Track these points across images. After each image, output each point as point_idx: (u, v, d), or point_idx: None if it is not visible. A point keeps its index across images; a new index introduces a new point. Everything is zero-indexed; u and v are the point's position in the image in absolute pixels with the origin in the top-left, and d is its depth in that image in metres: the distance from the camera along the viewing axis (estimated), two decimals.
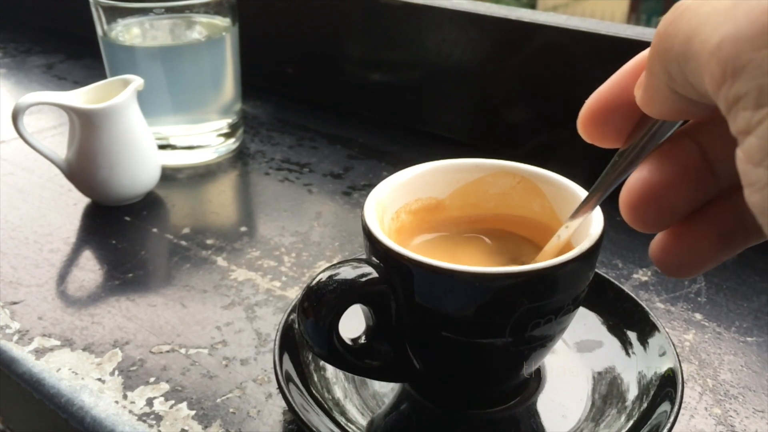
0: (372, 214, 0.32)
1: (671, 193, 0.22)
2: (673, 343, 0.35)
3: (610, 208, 0.52)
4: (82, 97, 0.52)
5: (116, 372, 0.38)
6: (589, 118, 0.24)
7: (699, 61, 0.17)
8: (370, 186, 0.48)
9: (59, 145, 0.62)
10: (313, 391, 0.34)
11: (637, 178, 0.22)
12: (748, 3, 0.16)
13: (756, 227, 0.21)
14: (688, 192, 0.22)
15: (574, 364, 0.37)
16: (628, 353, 0.36)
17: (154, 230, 0.52)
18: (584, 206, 0.28)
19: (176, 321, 0.42)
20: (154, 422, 0.35)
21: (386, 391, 0.36)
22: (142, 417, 0.35)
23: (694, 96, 0.19)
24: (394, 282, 0.30)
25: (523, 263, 0.33)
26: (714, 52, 0.17)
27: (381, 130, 0.68)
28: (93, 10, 0.58)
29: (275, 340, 0.35)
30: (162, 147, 0.59)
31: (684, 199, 0.22)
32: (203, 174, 0.60)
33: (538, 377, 0.36)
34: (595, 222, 0.31)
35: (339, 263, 0.30)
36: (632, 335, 0.37)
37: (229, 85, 0.61)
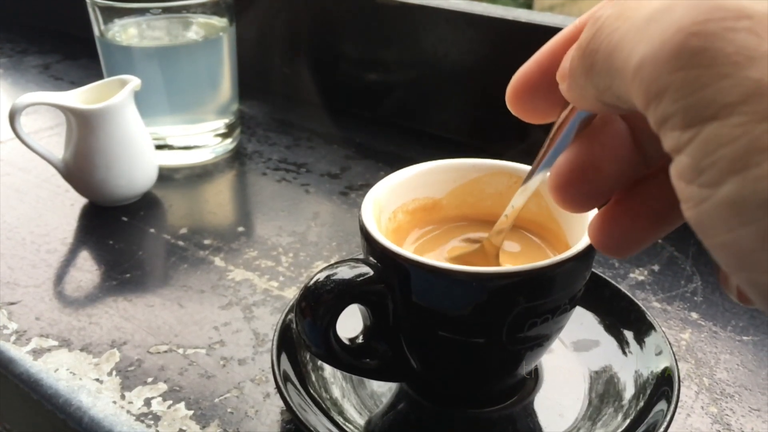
0: (369, 214, 0.32)
1: (596, 173, 0.22)
2: (669, 342, 0.35)
3: None
4: (79, 97, 0.52)
5: (114, 372, 0.38)
6: (514, 95, 0.24)
7: (624, 79, 0.17)
8: (367, 186, 0.48)
9: (56, 145, 0.62)
10: (311, 391, 0.34)
11: (562, 160, 0.22)
12: (661, 20, 0.16)
13: None
14: (614, 172, 0.22)
15: (571, 363, 0.37)
16: (624, 352, 0.36)
17: (152, 230, 0.52)
18: (526, 180, 0.28)
19: (174, 321, 0.42)
20: (152, 422, 0.35)
21: (384, 390, 0.36)
22: (140, 417, 0.35)
23: (624, 107, 0.19)
24: (392, 282, 0.30)
25: (520, 263, 0.34)
26: (635, 73, 0.17)
27: (378, 130, 0.68)
28: (90, 10, 0.58)
29: (273, 340, 0.35)
30: (159, 147, 0.59)
31: (609, 179, 0.22)
32: (200, 174, 0.60)
33: (535, 376, 0.36)
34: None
35: (336, 263, 0.30)
36: (629, 334, 0.37)
37: (226, 86, 0.61)
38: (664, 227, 0.22)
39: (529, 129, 0.62)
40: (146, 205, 0.55)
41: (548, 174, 0.24)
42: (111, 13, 0.57)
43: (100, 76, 0.58)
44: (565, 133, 0.23)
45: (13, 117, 0.50)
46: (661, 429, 0.30)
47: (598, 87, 0.19)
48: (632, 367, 0.35)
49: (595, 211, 0.25)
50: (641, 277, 0.46)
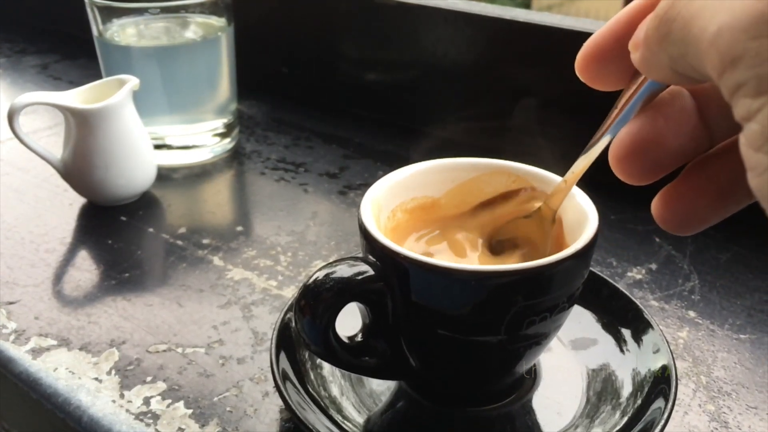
0: (368, 213, 0.32)
1: (659, 146, 0.22)
2: (667, 340, 0.35)
3: (605, 207, 0.53)
4: (77, 97, 0.52)
5: (113, 371, 0.38)
6: (585, 62, 0.24)
7: (699, 47, 0.17)
8: (366, 185, 0.48)
9: (55, 145, 0.62)
10: (310, 390, 0.34)
11: (627, 129, 0.22)
12: None
13: None
14: (677, 146, 0.22)
15: (569, 361, 0.37)
16: (622, 351, 0.36)
17: (151, 230, 0.52)
18: (589, 147, 0.27)
19: (173, 320, 0.42)
20: (151, 421, 0.35)
21: (383, 389, 0.36)
22: (139, 416, 0.35)
23: (696, 76, 0.19)
24: (391, 280, 0.30)
25: (519, 262, 0.34)
26: (713, 41, 0.17)
27: (376, 129, 0.68)
28: (88, 10, 0.58)
29: (272, 338, 0.35)
30: (158, 147, 0.59)
31: (673, 151, 0.22)
32: (199, 174, 0.61)
33: (533, 375, 0.36)
34: (589, 220, 0.31)
35: (335, 261, 0.30)
36: (626, 333, 0.37)
37: (224, 85, 0.61)
38: (728, 206, 0.22)
39: (532, 129, 0.62)
40: (145, 205, 0.55)
41: (610, 141, 0.24)
42: (109, 13, 0.57)
43: (98, 76, 0.58)
44: (632, 104, 0.23)
45: (11, 117, 0.50)
46: (659, 427, 0.30)
47: (672, 55, 0.19)
48: (630, 365, 0.35)
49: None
50: (639, 276, 0.46)
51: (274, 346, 0.35)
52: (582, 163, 0.28)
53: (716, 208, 0.22)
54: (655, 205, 0.23)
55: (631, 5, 0.23)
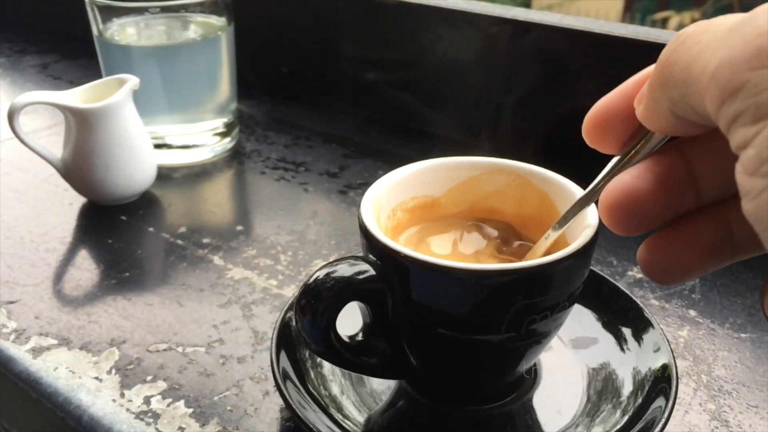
0: (368, 212, 0.32)
1: (648, 200, 0.23)
2: (667, 339, 0.35)
3: None
4: (77, 96, 0.52)
5: (113, 370, 0.38)
6: (592, 124, 0.25)
7: (699, 86, 0.18)
8: (366, 185, 0.48)
9: (55, 144, 0.62)
10: (310, 389, 0.34)
11: (617, 182, 0.23)
12: (743, 27, 0.17)
13: (744, 244, 0.22)
14: (665, 201, 0.23)
15: (569, 360, 0.37)
16: (623, 349, 0.36)
17: (151, 229, 0.52)
18: (576, 209, 0.29)
19: (173, 320, 0.42)
20: (151, 420, 0.35)
21: (383, 388, 0.36)
22: (139, 415, 0.35)
23: (695, 118, 0.20)
24: (391, 279, 0.30)
25: (518, 260, 0.34)
26: (714, 74, 0.18)
27: (376, 129, 0.68)
28: (88, 9, 0.58)
29: (272, 337, 0.35)
30: (158, 146, 0.60)
31: (660, 207, 0.23)
32: (199, 173, 0.61)
33: (533, 374, 0.36)
34: (590, 219, 0.31)
35: (336, 261, 0.30)
36: (627, 332, 0.37)
37: (224, 85, 0.61)
38: (714, 262, 0.23)
39: (531, 128, 0.62)
40: (145, 204, 0.55)
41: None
42: (109, 13, 0.57)
43: (98, 76, 0.58)
44: (627, 158, 0.24)
45: (11, 116, 0.50)
46: (659, 425, 0.30)
47: (673, 98, 0.20)
48: (630, 364, 0.35)
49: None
50: (639, 275, 0.46)
51: (274, 345, 0.35)
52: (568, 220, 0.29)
53: (701, 263, 0.23)
54: (642, 251, 0.24)
55: (640, 73, 0.24)
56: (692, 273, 0.23)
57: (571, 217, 0.29)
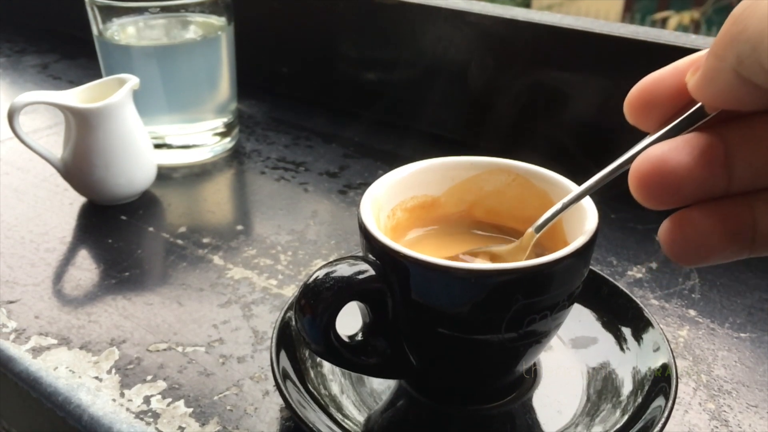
0: (368, 212, 0.32)
1: (682, 173, 0.22)
2: (667, 339, 0.35)
3: (605, 206, 0.53)
4: (77, 96, 0.52)
5: (113, 370, 0.38)
6: (637, 98, 0.24)
7: None
8: (366, 184, 0.48)
9: (55, 144, 0.62)
10: (310, 388, 0.34)
11: (655, 150, 0.22)
12: None
13: (766, 238, 0.22)
14: (699, 178, 0.22)
15: (569, 360, 0.37)
16: (622, 349, 0.36)
17: (151, 229, 0.52)
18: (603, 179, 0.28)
19: (173, 319, 0.42)
20: (151, 420, 0.35)
21: (383, 387, 0.36)
22: (139, 415, 0.35)
23: (760, 79, 0.19)
24: (391, 279, 0.30)
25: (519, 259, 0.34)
26: None
27: (376, 128, 0.68)
28: (88, 9, 0.58)
29: (272, 337, 0.35)
30: (158, 146, 0.60)
31: (693, 183, 0.22)
32: (199, 173, 0.61)
33: (533, 373, 0.36)
34: (589, 219, 0.31)
35: (336, 261, 0.30)
36: (627, 331, 0.37)
37: (224, 85, 0.61)
38: (733, 249, 0.23)
39: (531, 128, 0.62)
40: (145, 204, 0.55)
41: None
42: (109, 13, 0.57)
43: (98, 76, 0.58)
44: (667, 130, 0.24)
45: (11, 116, 0.50)
46: (659, 425, 0.30)
47: (742, 54, 0.19)
48: (630, 363, 0.35)
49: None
50: (639, 275, 0.46)
51: (274, 344, 0.35)
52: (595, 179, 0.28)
53: (723, 248, 0.23)
54: (665, 227, 0.23)
55: (695, 54, 0.23)
56: (713, 256, 0.23)
57: (595, 188, 0.28)
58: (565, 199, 0.30)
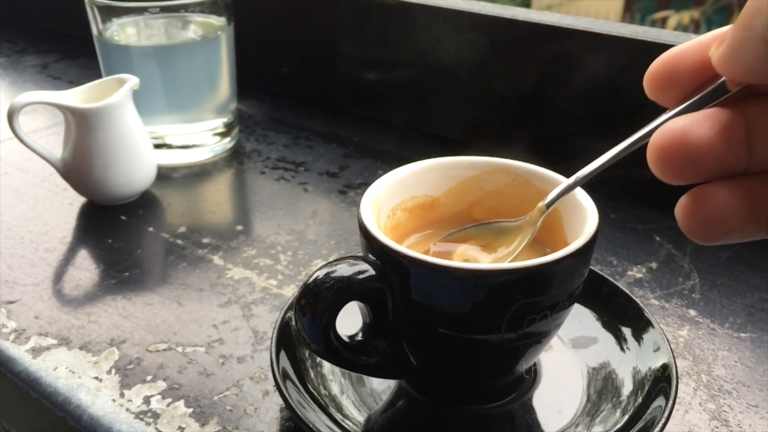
0: (368, 212, 0.32)
1: (703, 147, 0.22)
2: (667, 339, 0.35)
3: (605, 206, 0.53)
4: (77, 96, 0.52)
5: (113, 370, 0.38)
6: (658, 72, 0.23)
7: None
8: (366, 184, 0.48)
9: (54, 144, 0.62)
10: (310, 388, 0.34)
11: (676, 123, 0.22)
12: None
13: None
14: (719, 152, 0.22)
15: (569, 360, 0.37)
16: (622, 349, 0.36)
17: (150, 229, 0.52)
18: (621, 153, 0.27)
19: (173, 319, 0.42)
20: (151, 420, 0.35)
21: (383, 387, 0.36)
22: (139, 415, 0.35)
23: None
24: (391, 279, 0.30)
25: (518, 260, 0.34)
26: None
27: (376, 128, 0.68)
28: (88, 9, 0.58)
29: (272, 337, 0.35)
30: (157, 146, 0.60)
31: (713, 158, 0.22)
32: (199, 173, 0.61)
33: (533, 373, 0.36)
34: (589, 219, 0.31)
35: (336, 261, 0.30)
36: (627, 331, 0.37)
37: (224, 85, 0.61)
38: (749, 228, 0.22)
39: (531, 128, 0.62)
40: (145, 204, 0.55)
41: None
42: (109, 13, 0.57)
43: (98, 76, 0.58)
44: (687, 105, 0.23)
45: (11, 116, 0.50)
46: (659, 425, 0.30)
47: None
48: (630, 363, 0.35)
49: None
50: (639, 275, 0.46)
51: (274, 345, 0.35)
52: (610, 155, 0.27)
53: (741, 225, 0.22)
54: (684, 203, 0.23)
55: (718, 29, 0.23)
56: (730, 234, 0.22)
57: (610, 164, 0.28)
58: (579, 174, 0.29)
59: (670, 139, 0.22)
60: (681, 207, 0.23)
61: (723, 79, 0.22)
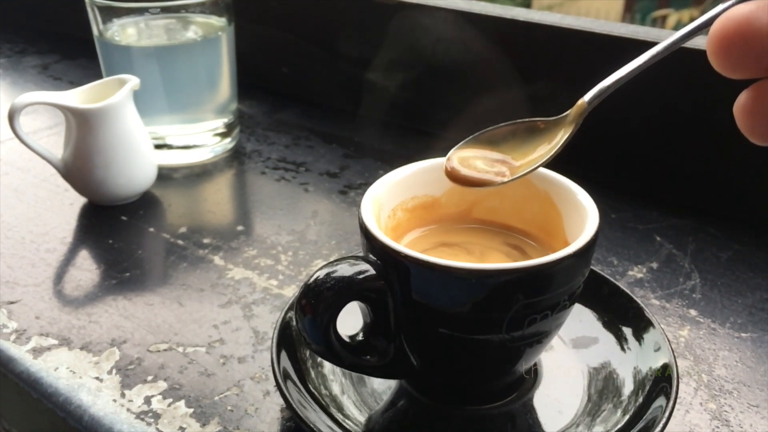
0: (369, 212, 0.32)
1: (766, 36, 0.20)
2: (668, 339, 0.35)
3: (605, 205, 0.53)
4: (78, 96, 0.52)
5: (114, 370, 0.38)
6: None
7: None
8: (366, 185, 0.48)
9: (55, 145, 0.62)
10: (311, 388, 0.34)
11: (741, 9, 0.20)
12: None
13: None
14: None
15: (570, 360, 0.37)
16: (623, 349, 0.36)
17: (151, 229, 0.52)
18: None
19: (173, 320, 0.42)
20: (152, 420, 0.35)
21: (384, 388, 0.36)
22: (140, 415, 0.35)
23: None
24: (391, 279, 0.30)
25: (519, 260, 0.34)
26: None
27: (376, 129, 0.68)
28: (89, 9, 0.58)
29: (273, 337, 0.35)
30: (158, 147, 0.60)
31: None
32: (199, 173, 0.61)
33: (534, 373, 0.36)
34: (590, 219, 0.31)
35: (336, 261, 0.30)
36: (628, 331, 0.37)
37: (225, 85, 0.61)
38: None
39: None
40: (145, 205, 0.55)
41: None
42: (110, 13, 0.57)
43: (98, 76, 0.58)
44: None
45: (12, 117, 0.50)
46: (660, 425, 0.30)
47: None
48: (631, 363, 0.35)
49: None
50: (640, 275, 0.46)
51: (274, 345, 0.35)
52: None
53: None
54: (745, 99, 0.21)
55: None
56: None
57: (666, 52, 0.26)
58: (632, 65, 0.27)
59: (733, 27, 0.20)
60: (740, 104, 0.21)
61: None
